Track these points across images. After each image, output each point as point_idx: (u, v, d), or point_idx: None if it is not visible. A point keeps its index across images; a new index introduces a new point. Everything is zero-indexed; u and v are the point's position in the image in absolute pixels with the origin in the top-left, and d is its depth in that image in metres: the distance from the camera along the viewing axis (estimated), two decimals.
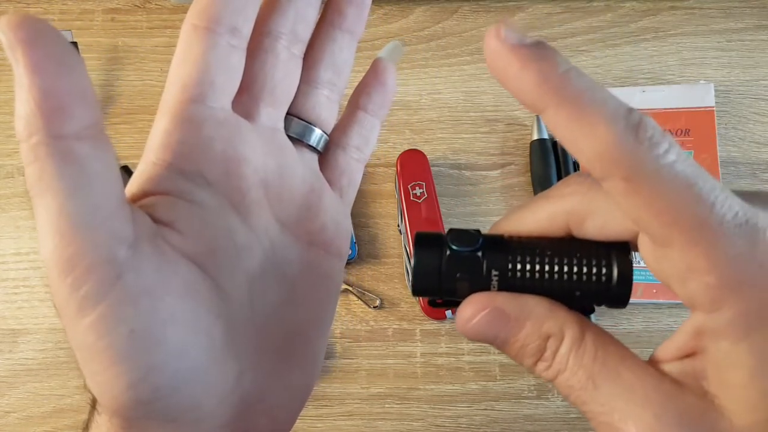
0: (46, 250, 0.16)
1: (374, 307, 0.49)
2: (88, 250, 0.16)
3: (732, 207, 0.15)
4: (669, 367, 0.17)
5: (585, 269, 0.18)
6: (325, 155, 0.24)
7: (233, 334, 0.20)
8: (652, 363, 0.17)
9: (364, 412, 0.47)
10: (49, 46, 0.15)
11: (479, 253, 0.18)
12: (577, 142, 0.15)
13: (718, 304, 0.15)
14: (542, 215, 0.19)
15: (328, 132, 0.24)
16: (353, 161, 0.24)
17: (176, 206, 0.19)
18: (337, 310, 0.48)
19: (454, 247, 0.19)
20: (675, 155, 0.15)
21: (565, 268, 0.18)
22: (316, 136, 0.23)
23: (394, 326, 0.48)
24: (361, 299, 0.49)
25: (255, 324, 0.21)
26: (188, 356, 0.18)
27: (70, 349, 0.17)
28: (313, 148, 0.23)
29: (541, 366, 0.18)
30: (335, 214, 0.24)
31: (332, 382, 0.48)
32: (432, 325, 0.48)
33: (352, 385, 0.48)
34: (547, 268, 0.18)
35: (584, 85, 0.15)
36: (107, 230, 0.16)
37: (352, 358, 0.48)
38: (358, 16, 0.23)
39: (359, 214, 0.51)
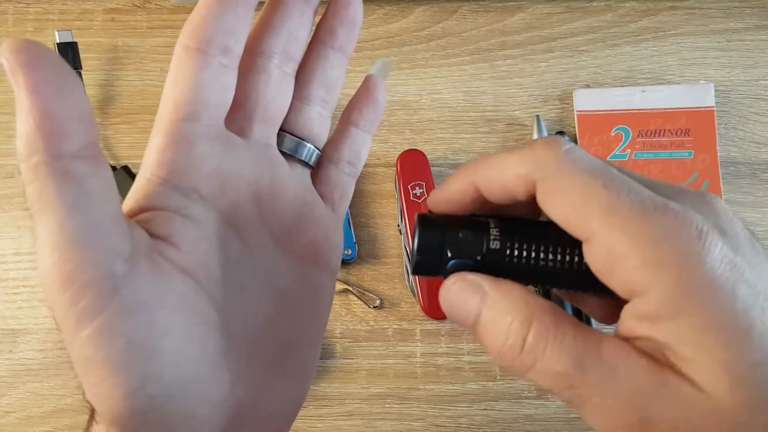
0: (46, 265, 0.17)
1: (374, 307, 0.49)
2: (87, 265, 0.17)
3: (639, 193, 0.17)
4: (640, 344, 0.17)
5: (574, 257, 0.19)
6: (317, 170, 0.25)
7: (226, 345, 0.20)
8: (626, 340, 0.18)
9: (364, 412, 0.47)
10: (48, 70, 0.16)
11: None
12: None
13: (645, 287, 0.16)
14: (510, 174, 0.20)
15: (321, 147, 0.25)
16: (345, 176, 0.25)
17: (172, 221, 0.20)
18: (337, 310, 0.49)
19: (459, 235, 0.20)
20: (579, 153, 0.18)
21: (557, 257, 0.19)
22: (309, 152, 0.24)
23: (394, 326, 0.48)
24: (361, 299, 0.49)
25: (248, 336, 0.21)
26: (183, 366, 0.18)
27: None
28: (306, 164, 0.24)
29: (510, 353, 0.18)
30: (327, 228, 0.24)
31: (332, 382, 0.48)
32: (432, 325, 0.48)
33: (352, 385, 0.48)
34: (542, 256, 0.19)
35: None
36: (105, 246, 0.17)
37: (352, 358, 0.48)
38: (348, 35, 0.24)
39: (359, 214, 0.51)
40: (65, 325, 0.17)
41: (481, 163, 0.20)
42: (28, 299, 0.49)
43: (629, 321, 0.17)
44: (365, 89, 0.25)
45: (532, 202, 0.19)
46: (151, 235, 0.19)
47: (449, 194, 0.21)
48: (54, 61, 0.16)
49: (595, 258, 0.17)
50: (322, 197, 0.24)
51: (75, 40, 0.50)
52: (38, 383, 0.48)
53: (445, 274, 0.20)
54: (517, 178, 0.19)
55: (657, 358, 0.17)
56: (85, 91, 0.17)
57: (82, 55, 0.50)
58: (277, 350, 0.22)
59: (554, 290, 0.21)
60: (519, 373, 0.18)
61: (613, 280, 0.17)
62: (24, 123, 0.16)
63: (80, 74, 0.50)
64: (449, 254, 0.20)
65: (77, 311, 0.17)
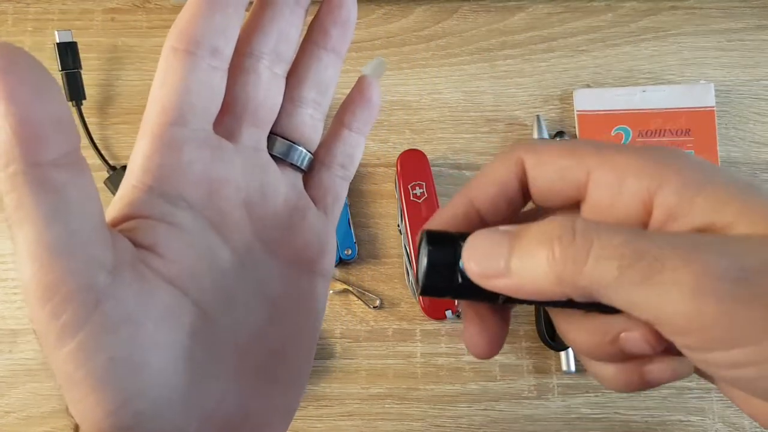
0: (25, 277, 0.16)
1: (374, 307, 0.49)
2: (67, 277, 0.16)
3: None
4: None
5: None
6: (309, 174, 0.24)
7: (215, 356, 0.20)
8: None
9: (364, 412, 0.47)
10: (23, 73, 0.15)
11: None
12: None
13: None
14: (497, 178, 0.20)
15: (313, 150, 0.24)
16: (338, 179, 0.24)
17: (157, 229, 0.19)
18: (337, 310, 0.49)
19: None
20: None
21: None
22: (300, 155, 0.23)
23: (394, 326, 0.48)
24: (361, 299, 0.49)
25: (237, 345, 0.21)
26: (169, 381, 0.18)
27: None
28: (297, 167, 0.23)
29: (562, 246, 0.16)
30: (319, 232, 0.24)
31: (332, 382, 0.48)
32: (432, 325, 0.48)
33: (352, 385, 0.48)
34: None
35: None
36: (86, 257, 0.16)
37: (352, 358, 0.48)
38: (342, 35, 0.23)
39: (359, 214, 0.50)
40: (46, 339, 0.17)
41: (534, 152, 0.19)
42: None
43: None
44: (358, 90, 0.24)
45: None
46: (136, 244, 0.19)
47: (453, 212, 0.21)
48: (31, 64, 0.15)
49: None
50: (314, 201, 0.24)
51: (75, 40, 0.50)
52: (38, 383, 0.48)
53: (456, 295, 0.19)
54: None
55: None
56: (63, 96, 0.16)
57: (82, 55, 0.50)
58: (268, 359, 0.22)
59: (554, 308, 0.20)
60: (574, 274, 0.16)
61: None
62: (0, 130, 0.15)
63: (80, 74, 0.50)
64: (462, 272, 0.18)
65: (58, 326, 0.16)
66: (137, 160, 0.20)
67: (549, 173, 0.19)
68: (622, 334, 0.17)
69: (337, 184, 0.24)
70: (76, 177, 0.16)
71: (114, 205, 0.20)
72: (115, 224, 0.19)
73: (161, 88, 0.20)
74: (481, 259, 0.18)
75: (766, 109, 0.52)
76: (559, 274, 0.16)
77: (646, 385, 0.19)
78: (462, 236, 0.19)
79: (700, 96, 0.50)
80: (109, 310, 0.17)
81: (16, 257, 0.16)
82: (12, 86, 0.15)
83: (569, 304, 0.18)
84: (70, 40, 0.50)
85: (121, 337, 0.17)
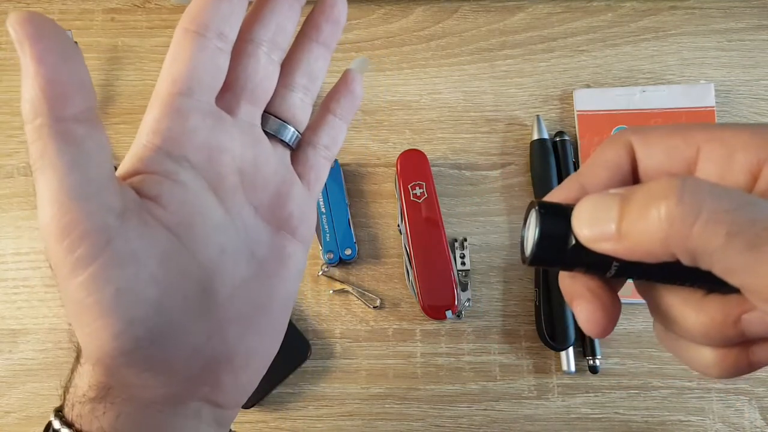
0: (45, 217, 0.18)
1: (374, 307, 0.49)
2: (83, 218, 0.18)
3: None
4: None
5: None
6: (296, 152, 0.27)
7: (205, 299, 0.22)
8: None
9: (364, 412, 0.47)
10: (51, 40, 0.17)
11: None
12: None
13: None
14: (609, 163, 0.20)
15: (301, 131, 0.27)
16: (321, 159, 0.27)
17: (161, 184, 0.22)
18: (337, 310, 0.49)
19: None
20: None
21: None
22: (290, 134, 0.26)
23: (394, 326, 0.48)
24: (361, 299, 0.49)
25: (225, 293, 0.23)
26: (165, 313, 0.20)
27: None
28: (287, 144, 0.26)
29: (672, 187, 0.16)
30: (303, 204, 0.26)
31: (332, 382, 0.48)
32: (432, 325, 0.48)
33: (352, 385, 0.48)
34: None
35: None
36: (100, 201, 0.19)
37: (352, 358, 0.48)
38: (332, 31, 0.26)
39: (359, 214, 0.51)
40: (61, 271, 0.19)
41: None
42: (28, 299, 0.49)
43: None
44: (344, 81, 0.28)
45: None
46: (142, 195, 0.21)
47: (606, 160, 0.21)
48: (57, 32, 0.18)
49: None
50: (299, 177, 0.26)
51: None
52: (38, 383, 0.48)
53: (565, 265, 0.19)
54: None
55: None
56: (84, 61, 0.19)
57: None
58: (251, 309, 0.24)
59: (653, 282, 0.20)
60: (682, 235, 0.16)
61: None
62: (29, 88, 0.17)
63: None
64: (573, 241, 0.19)
65: (73, 259, 0.18)
66: (148, 123, 0.22)
67: (657, 153, 0.20)
68: (744, 315, 0.18)
69: (320, 163, 0.27)
70: (93, 131, 0.19)
71: (125, 161, 0.22)
72: (126, 177, 0.22)
73: (173, 63, 0.22)
74: (591, 222, 0.18)
75: (766, 109, 0.52)
76: (667, 234, 0.16)
77: (752, 367, 0.19)
78: (571, 207, 0.19)
79: (700, 96, 0.50)
80: (118, 248, 0.19)
81: (37, 199, 0.18)
82: (40, 51, 0.17)
83: (678, 278, 0.18)
84: None
85: (126, 271, 0.19)
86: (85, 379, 0.22)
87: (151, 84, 0.53)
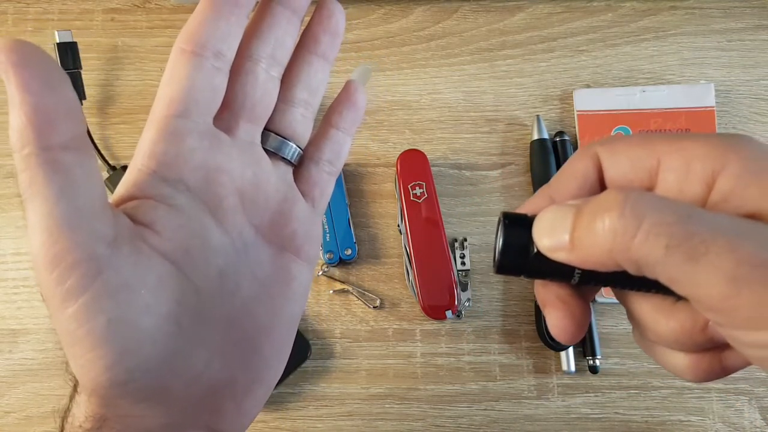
0: (35, 247, 0.18)
1: (374, 307, 0.49)
2: (72, 247, 0.18)
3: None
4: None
5: None
6: (299, 168, 0.26)
7: (203, 324, 0.22)
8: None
9: (364, 412, 0.47)
10: (37, 67, 0.17)
11: None
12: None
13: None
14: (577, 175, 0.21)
15: (303, 147, 0.26)
16: (325, 174, 0.26)
17: (156, 209, 0.21)
18: (337, 310, 0.49)
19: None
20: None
21: None
22: (291, 150, 0.25)
23: (394, 326, 0.48)
24: (361, 299, 0.49)
25: (225, 317, 0.23)
26: (159, 342, 0.20)
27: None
28: (288, 161, 0.25)
29: (624, 191, 0.17)
30: (306, 222, 0.26)
31: (332, 382, 0.48)
32: (432, 325, 0.48)
33: (352, 385, 0.48)
34: None
35: None
36: (90, 230, 0.18)
37: (352, 358, 0.48)
38: (332, 43, 0.25)
39: (359, 214, 0.50)
40: (52, 301, 0.19)
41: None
42: (28, 299, 0.49)
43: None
44: (345, 93, 0.27)
45: None
46: (137, 221, 0.21)
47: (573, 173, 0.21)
48: (43, 59, 0.17)
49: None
50: (303, 194, 0.26)
51: (75, 40, 0.50)
52: (38, 383, 0.48)
53: (529, 273, 0.21)
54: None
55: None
56: (72, 87, 0.18)
57: (82, 55, 0.50)
58: (253, 332, 0.24)
59: (616, 289, 0.21)
60: (624, 247, 0.17)
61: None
62: (16, 117, 0.17)
63: (80, 74, 0.50)
64: (534, 250, 0.20)
65: (63, 290, 0.18)
66: (143, 147, 0.22)
67: (622, 163, 0.20)
68: (711, 322, 0.18)
69: (324, 178, 0.26)
70: (82, 159, 0.18)
71: (121, 186, 0.22)
72: (120, 203, 0.22)
73: (169, 84, 0.22)
74: (549, 232, 0.19)
75: (766, 109, 0.52)
76: (611, 245, 0.17)
77: (725, 371, 0.20)
78: (533, 218, 0.20)
79: (700, 96, 0.50)
80: (109, 278, 0.19)
81: (28, 228, 0.18)
82: (26, 78, 0.17)
83: (638, 286, 0.19)
84: (70, 40, 0.50)
85: (118, 301, 0.19)
86: (82, 410, 0.22)
87: (151, 84, 0.53)
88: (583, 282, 0.20)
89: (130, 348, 0.19)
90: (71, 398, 0.23)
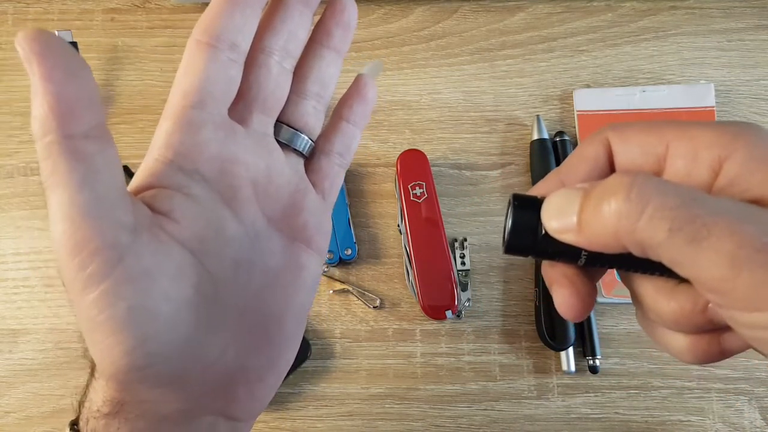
0: (57, 234, 0.18)
1: (374, 307, 0.49)
2: (94, 235, 0.18)
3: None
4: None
5: None
6: (310, 160, 0.27)
7: (218, 312, 0.22)
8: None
9: (364, 412, 0.47)
10: (59, 57, 0.17)
11: None
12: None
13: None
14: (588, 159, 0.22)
15: (314, 139, 0.26)
16: (336, 166, 0.27)
17: (174, 198, 0.22)
18: (337, 310, 0.49)
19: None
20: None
21: None
22: (303, 142, 0.26)
23: (394, 326, 0.48)
24: (361, 299, 0.49)
25: (239, 305, 0.23)
26: (178, 329, 0.20)
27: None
28: (300, 153, 0.26)
29: (629, 175, 0.18)
30: (317, 213, 0.26)
31: (332, 382, 0.48)
32: (432, 325, 0.48)
33: (352, 385, 0.48)
34: None
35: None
36: (111, 218, 0.19)
37: (352, 358, 0.48)
38: (343, 36, 0.25)
39: (359, 214, 0.50)
40: (73, 288, 0.19)
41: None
42: (28, 299, 0.49)
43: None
44: (356, 87, 0.27)
45: None
46: (154, 210, 0.21)
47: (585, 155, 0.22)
48: (65, 49, 0.18)
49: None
50: (313, 186, 0.26)
51: (75, 40, 0.50)
52: (38, 383, 0.48)
53: (537, 254, 0.21)
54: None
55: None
56: (92, 77, 0.19)
57: (82, 55, 0.50)
58: (265, 321, 0.24)
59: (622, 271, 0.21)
60: (628, 230, 0.17)
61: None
62: (38, 106, 0.17)
63: None
64: (543, 232, 0.20)
65: (84, 276, 0.18)
66: (160, 137, 0.22)
67: (632, 148, 0.20)
68: (710, 304, 0.19)
69: (334, 171, 0.27)
70: (103, 147, 0.19)
71: (138, 175, 0.22)
72: (138, 192, 0.22)
73: (185, 76, 0.22)
74: (557, 214, 0.19)
75: (766, 109, 0.52)
76: (617, 228, 0.17)
77: (723, 354, 0.20)
78: (543, 200, 0.21)
79: (700, 96, 0.50)
80: (129, 265, 0.19)
81: (49, 216, 0.18)
82: (48, 68, 0.17)
83: (643, 268, 0.19)
84: (70, 40, 0.50)
85: (139, 288, 0.19)
86: (99, 394, 0.22)
87: (151, 84, 0.53)
88: (589, 264, 0.20)
89: (149, 334, 0.19)
90: (88, 384, 0.23)
